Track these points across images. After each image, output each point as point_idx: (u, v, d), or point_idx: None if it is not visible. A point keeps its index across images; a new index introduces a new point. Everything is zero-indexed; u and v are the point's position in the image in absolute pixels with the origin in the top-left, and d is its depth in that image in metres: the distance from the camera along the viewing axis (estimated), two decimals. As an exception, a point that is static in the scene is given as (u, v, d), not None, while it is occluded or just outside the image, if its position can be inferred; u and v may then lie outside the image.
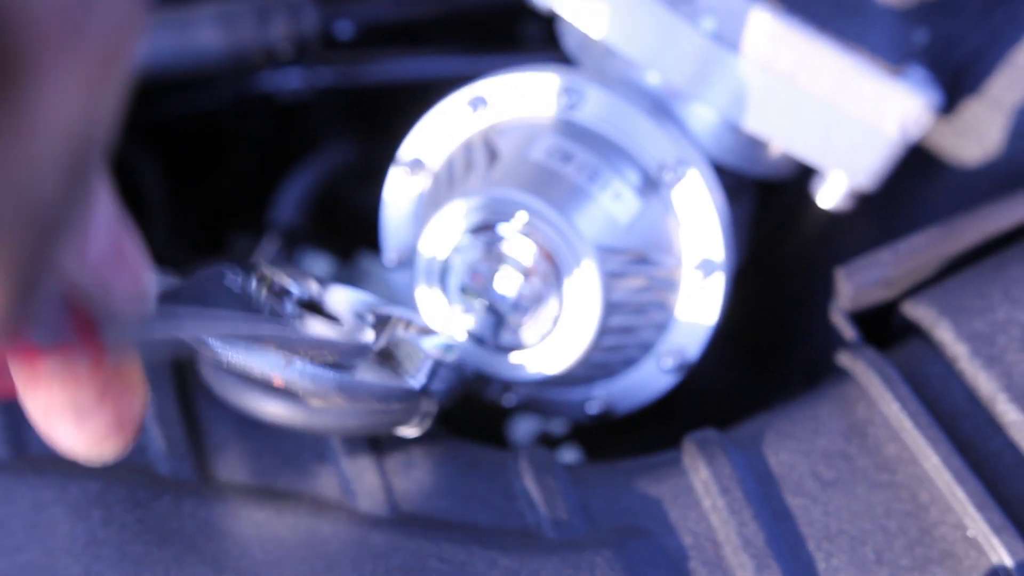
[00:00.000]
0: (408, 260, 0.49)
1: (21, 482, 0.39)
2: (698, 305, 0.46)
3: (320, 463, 0.41)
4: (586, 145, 0.45)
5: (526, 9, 0.63)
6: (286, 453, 0.41)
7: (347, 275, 0.63)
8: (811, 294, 0.55)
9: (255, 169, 0.70)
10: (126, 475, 0.40)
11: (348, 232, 0.65)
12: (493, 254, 0.44)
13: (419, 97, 0.52)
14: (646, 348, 0.47)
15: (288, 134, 0.68)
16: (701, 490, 0.41)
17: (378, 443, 0.42)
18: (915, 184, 0.54)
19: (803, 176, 0.51)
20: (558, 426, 0.60)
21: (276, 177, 0.66)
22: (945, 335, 0.42)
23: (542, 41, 0.66)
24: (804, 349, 0.56)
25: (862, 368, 0.42)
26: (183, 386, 0.42)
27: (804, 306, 0.56)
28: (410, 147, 0.48)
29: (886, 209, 0.54)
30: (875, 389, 0.42)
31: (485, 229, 0.44)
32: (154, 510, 0.39)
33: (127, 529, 0.38)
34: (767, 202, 0.58)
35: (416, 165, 0.48)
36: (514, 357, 0.45)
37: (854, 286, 0.44)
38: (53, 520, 0.39)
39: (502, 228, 0.43)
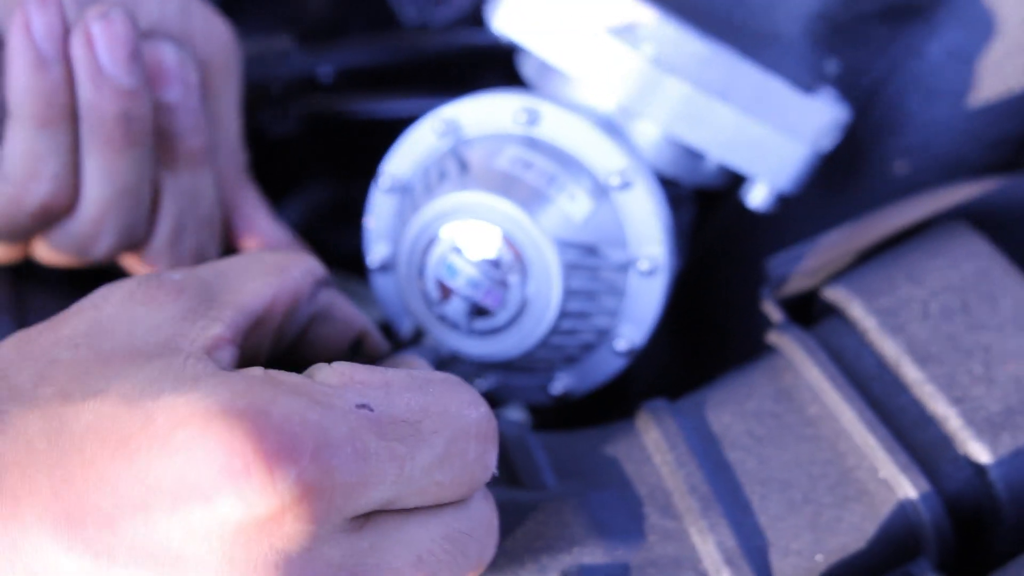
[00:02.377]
0: (390, 265, 0.55)
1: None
2: (644, 297, 0.53)
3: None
4: (544, 155, 0.52)
5: (487, 57, 0.70)
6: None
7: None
8: (744, 292, 0.62)
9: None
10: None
11: (329, 265, 0.71)
12: (466, 248, 0.50)
13: (394, 133, 0.58)
14: (600, 334, 0.53)
15: (271, 170, 0.74)
16: (652, 448, 0.47)
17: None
18: (832, 196, 0.61)
19: (736, 188, 0.58)
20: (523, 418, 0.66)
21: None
22: (857, 311, 0.49)
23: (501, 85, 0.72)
24: (740, 341, 0.63)
25: (787, 342, 0.49)
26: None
27: (739, 303, 0.63)
28: (388, 167, 0.55)
29: (807, 220, 0.62)
30: (799, 358, 0.48)
31: (459, 226, 0.50)
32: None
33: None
34: (706, 216, 0.65)
35: (394, 181, 0.55)
36: (485, 340, 0.51)
37: (779, 275, 0.51)
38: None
39: (474, 224, 0.50)
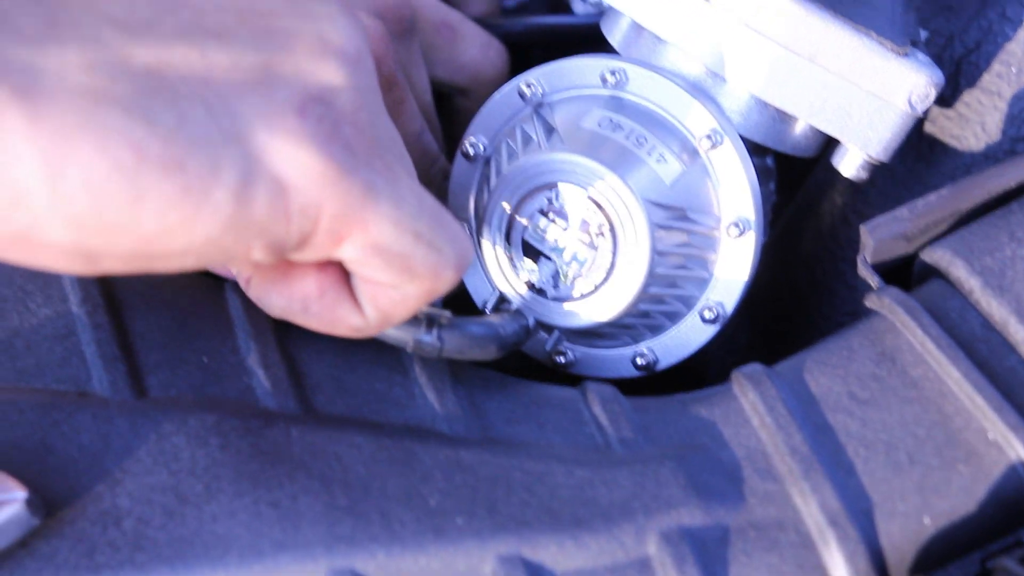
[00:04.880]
0: (471, 231, 0.54)
1: (145, 418, 0.44)
2: (733, 262, 0.51)
3: (409, 398, 0.46)
4: (631, 116, 0.51)
5: (562, 38, 0.70)
6: (378, 390, 0.46)
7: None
8: (825, 281, 0.61)
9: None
10: (239, 410, 0.45)
11: None
12: (553, 210, 0.49)
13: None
14: (687, 303, 0.52)
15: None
16: (750, 410, 0.46)
17: (459, 378, 0.47)
18: (923, 170, 0.59)
19: (821, 159, 0.57)
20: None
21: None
22: (960, 272, 0.47)
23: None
24: (826, 317, 0.61)
25: (888, 304, 0.48)
26: (281, 333, 0.47)
27: (819, 293, 0.61)
28: (470, 134, 0.54)
29: (897, 193, 0.60)
30: (901, 320, 0.47)
31: (546, 188, 0.49)
32: (266, 436, 0.44)
33: (243, 452, 0.43)
34: (789, 191, 0.64)
35: (476, 148, 0.54)
36: (571, 306, 0.50)
37: (876, 240, 0.50)
38: (176, 447, 0.43)
39: (562, 186, 0.49)
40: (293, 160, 0.37)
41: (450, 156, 0.56)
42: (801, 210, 0.66)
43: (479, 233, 0.52)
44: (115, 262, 0.36)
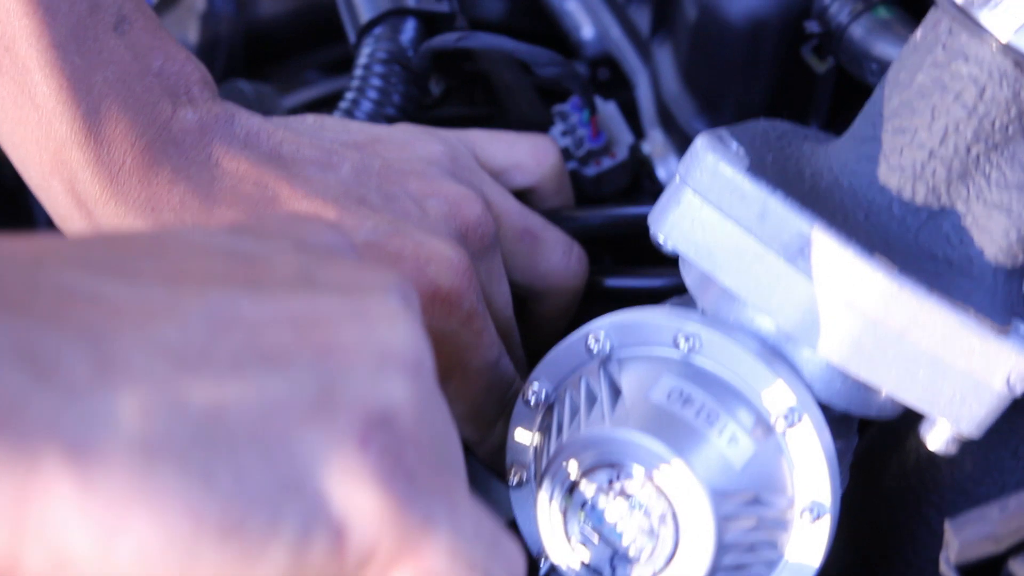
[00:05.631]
0: (528, 481, 0.52)
1: None
2: (806, 546, 0.48)
3: None
4: (703, 388, 0.48)
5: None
6: None
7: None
8: (909, 525, 0.57)
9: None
10: None
11: None
12: (613, 491, 0.46)
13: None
14: (756, 582, 0.49)
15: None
16: None
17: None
18: (1017, 421, 0.55)
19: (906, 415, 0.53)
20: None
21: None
22: (1053, 600, 0.43)
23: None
24: (907, 562, 0.57)
25: (970, 626, 0.44)
26: None
27: (901, 535, 0.57)
28: (534, 377, 0.51)
29: (989, 441, 0.56)
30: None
31: (608, 466, 0.46)
32: None
33: None
34: (864, 424, 0.60)
35: (539, 394, 0.51)
36: (628, 590, 0.47)
37: (962, 541, 0.46)
38: None
39: (623, 468, 0.46)
40: (355, 502, 0.34)
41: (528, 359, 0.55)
42: (884, 442, 0.62)
43: (537, 486, 0.49)
44: None
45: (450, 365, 0.54)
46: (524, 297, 0.61)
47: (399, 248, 0.52)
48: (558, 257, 0.60)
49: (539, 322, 0.62)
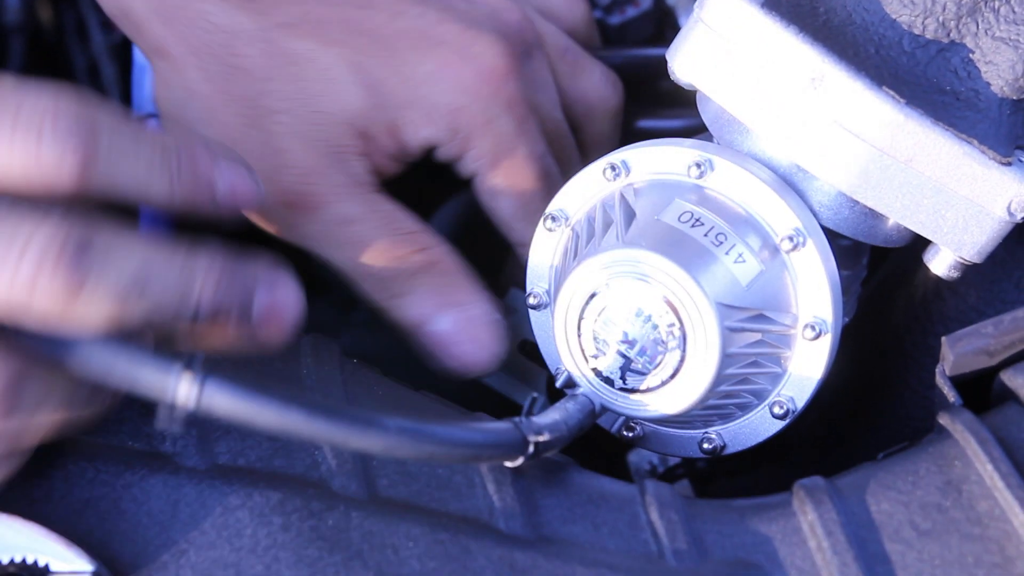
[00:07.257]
0: (547, 303, 0.55)
1: (213, 489, 0.45)
2: (808, 361, 0.51)
3: (469, 487, 0.47)
4: (713, 210, 0.50)
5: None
6: (439, 476, 0.47)
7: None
8: (914, 353, 0.60)
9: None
10: (302, 488, 0.46)
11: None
12: (626, 304, 0.49)
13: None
14: (759, 395, 0.52)
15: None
16: (808, 531, 0.45)
17: (520, 471, 0.47)
18: (1020, 253, 0.57)
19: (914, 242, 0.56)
20: (673, 460, 0.65)
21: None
22: (1038, 403, 0.46)
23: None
24: (903, 404, 0.60)
25: (960, 429, 0.47)
26: (351, 411, 0.48)
27: (907, 363, 0.60)
28: (555, 203, 0.54)
29: (994, 274, 0.58)
30: (971, 449, 0.46)
31: (619, 284, 0.49)
32: (326, 520, 0.45)
33: (303, 535, 0.44)
34: (877, 262, 0.62)
35: (559, 218, 0.54)
36: (637, 397, 0.50)
37: (957, 353, 0.49)
38: (239, 523, 0.45)
39: (636, 283, 0.49)
40: None
41: None
42: (894, 277, 0.64)
43: (554, 305, 0.52)
44: None
45: (497, 151, 0.57)
46: (569, 125, 0.63)
47: (443, 34, 0.56)
48: (598, 76, 0.63)
49: (584, 153, 0.64)
